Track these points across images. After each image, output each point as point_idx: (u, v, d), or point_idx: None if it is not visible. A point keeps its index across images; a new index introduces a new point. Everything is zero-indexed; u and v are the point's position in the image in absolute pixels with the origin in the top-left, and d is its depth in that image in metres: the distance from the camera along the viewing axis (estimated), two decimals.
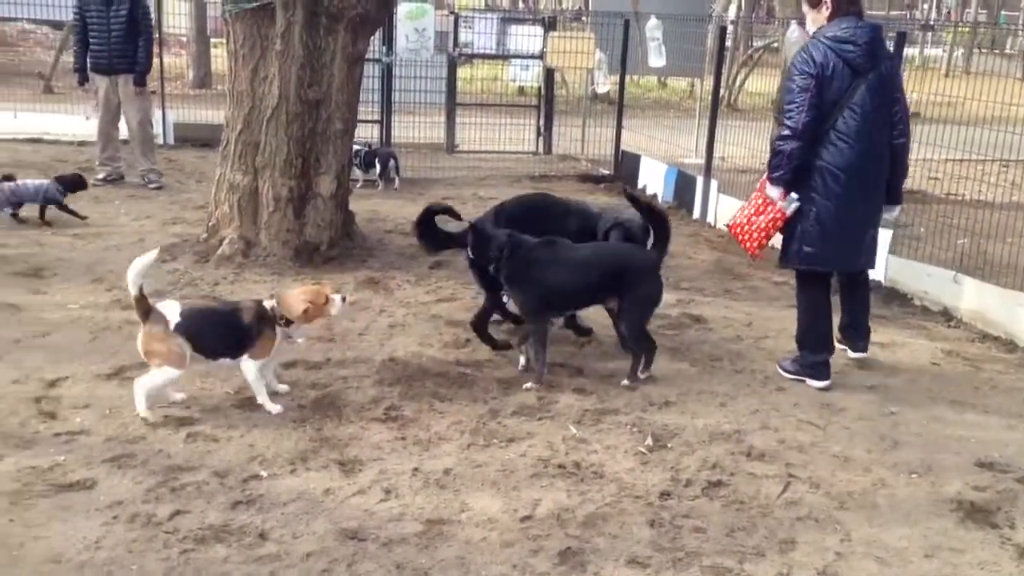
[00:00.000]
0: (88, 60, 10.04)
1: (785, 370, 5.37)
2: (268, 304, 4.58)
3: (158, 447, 4.15)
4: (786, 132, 4.94)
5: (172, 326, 4.36)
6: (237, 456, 4.12)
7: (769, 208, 5.17)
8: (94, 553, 3.33)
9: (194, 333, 4.41)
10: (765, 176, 5.16)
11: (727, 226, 5.78)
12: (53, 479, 3.82)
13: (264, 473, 3.96)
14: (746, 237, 5.31)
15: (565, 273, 5.13)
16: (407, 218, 9.17)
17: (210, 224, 7.63)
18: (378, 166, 10.74)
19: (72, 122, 13.22)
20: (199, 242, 7.57)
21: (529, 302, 5.19)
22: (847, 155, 4.93)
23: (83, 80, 10.18)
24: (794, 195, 5.03)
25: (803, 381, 5.25)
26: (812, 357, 5.24)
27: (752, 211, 5.28)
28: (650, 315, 5.28)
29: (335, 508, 3.73)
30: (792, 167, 4.96)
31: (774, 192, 5.08)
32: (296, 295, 4.58)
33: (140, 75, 10.13)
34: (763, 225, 5.21)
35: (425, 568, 3.33)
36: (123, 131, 10.50)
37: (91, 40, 9.93)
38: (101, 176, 10.21)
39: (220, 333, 4.51)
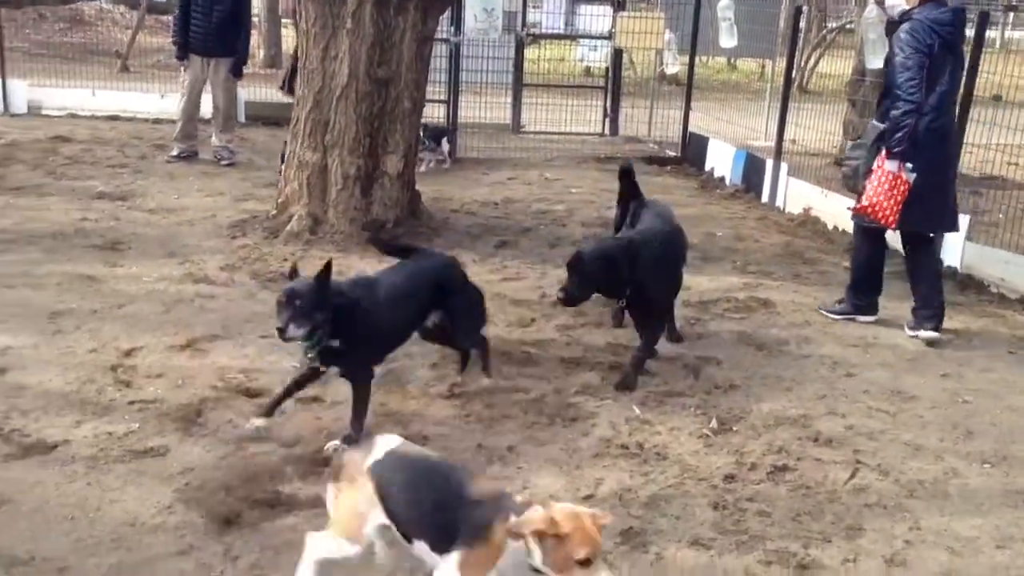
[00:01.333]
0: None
1: (831, 312, 5.93)
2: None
3: (228, 417, 4.24)
4: (909, 107, 5.34)
5: None
6: (304, 428, 4.19)
7: (896, 180, 5.45)
8: (167, 517, 3.42)
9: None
10: (883, 153, 5.49)
11: (854, 209, 5.91)
12: (128, 445, 3.93)
13: (332, 446, 4.02)
14: (882, 213, 5.55)
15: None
16: (473, 198, 9.24)
17: (279, 201, 7.74)
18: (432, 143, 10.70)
19: (148, 100, 13.53)
20: (268, 218, 7.69)
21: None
22: (944, 125, 5.53)
23: (182, 56, 10.37)
24: (909, 165, 5.43)
25: (853, 319, 5.84)
26: (865, 298, 5.91)
27: (881, 187, 5.50)
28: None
29: None
30: (911, 140, 5.36)
31: (893, 165, 5.44)
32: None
33: (237, 65, 10.46)
34: (896, 197, 5.48)
35: None
36: (204, 110, 10.72)
37: (192, 21, 10.14)
38: (175, 153, 10.43)
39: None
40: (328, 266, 3.90)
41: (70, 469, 3.71)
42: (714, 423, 4.39)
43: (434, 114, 11.42)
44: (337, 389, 4.56)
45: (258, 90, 13.94)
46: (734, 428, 4.37)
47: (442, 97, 11.93)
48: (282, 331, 3.75)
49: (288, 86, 10.19)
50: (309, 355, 4.00)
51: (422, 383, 4.74)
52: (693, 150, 11.84)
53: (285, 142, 8.07)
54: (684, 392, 4.75)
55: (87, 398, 4.36)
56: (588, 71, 17.22)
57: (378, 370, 4.69)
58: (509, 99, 14.16)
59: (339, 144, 7.37)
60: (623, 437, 4.22)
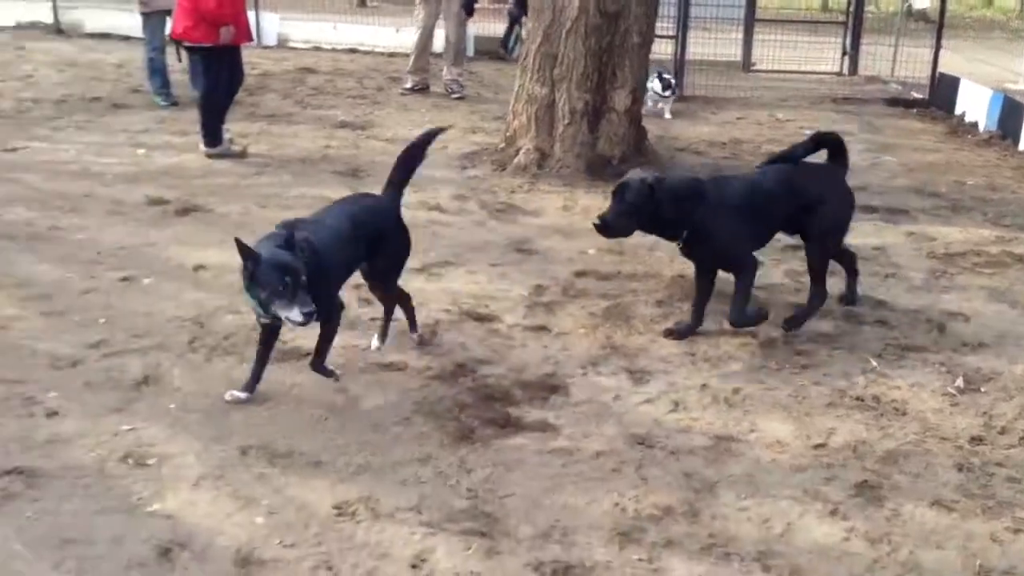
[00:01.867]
0: None
1: None
2: None
3: (460, 340, 4.42)
4: None
5: None
6: (533, 355, 4.30)
7: None
8: (406, 427, 3.63)
9: None
10: None
11: None
12: (372, 358, 4.19)
13: (558, 373, 4.11)
14: None
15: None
16: (700, 137, 9.05)
17: (507, 134, 7.88)
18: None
19: (384, 34, 14.08)
20: (497, 151, 7.86)
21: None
22: None
23: None
24: None
25: None
26: None
27: None
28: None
29: (624, 413, 3.82)
30: None
31: None
32: None
33: (470, 3, 10.85)
34: None
35: (712, 481, 3.35)
36: (437, 45, 11.04)
37: None
38: (408, 85, 10.82)
39: None
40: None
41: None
42: (960, 382, 4.14)
43: (662, 50, 11.21)
44: (561, 320, 4.66)
45: (487, 25, 14.18)
46: (982, 389, 4.11)
47: (670, 32, 11.68)
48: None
49: (503, 44, 10.38)
50: None
51: (647, 319, 4.74)
52: (942, 92, 11.03)
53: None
54: (927, 347, 4.50)
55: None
56: (826, 5, 16.34)
57: (604, 304, 4.76)
58: (740, 35, 13.69)
59: (567, 78, 7.38)
60: (858, 389, 4.06)
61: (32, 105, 9.11)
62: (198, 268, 5.12)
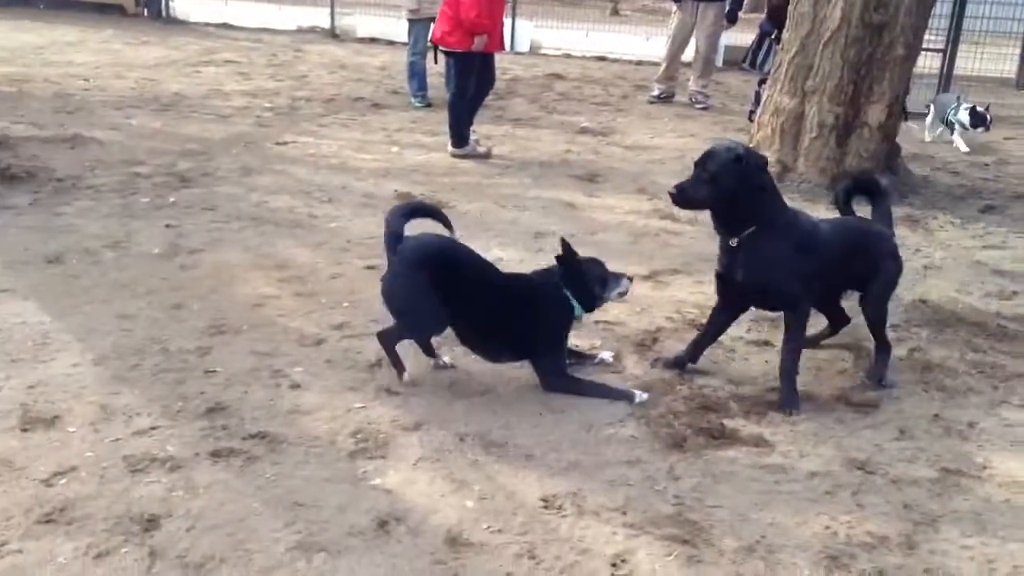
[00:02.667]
0: None
1: None
2: None
3: (681, 348, 4.39)
4: None
5: None
6: (753, 369, 4.25)
7: None
8: (619, 429, 3.68)
9: None
10: None
11: None
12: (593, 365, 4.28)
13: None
14: None
15: None
16: (958, 156, 8.51)
17: (751, 145, 7.75)
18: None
19: (634, 42, 14.20)
20: None
21: None
22: None
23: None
24: None
25: None
26: None
27: None
28: None
29: (845, 436, 3.70)
30: None
31: None
32: None
33: (733, 12, 10.79)
34: None
35: (936, 514, 3.19)
36: (688, 54, 11.02)
37: None
38: (656, 93, 10.87)
39: None
40: None
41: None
42: None
43: (927, 64, 10.60)
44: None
45: (740, 35, 13.93)
46: None
47: (939, 46, 11.01)
48: None
49: (751, 60, 10.04)
50: None
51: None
52: None
53: (756, 89, 8.04)
54: None
55: None
56: None
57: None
58: (1016, 50, 12.68)
59: (820, 90, 7.18)
60: None
61: (304, 103, 9.94)
62: None
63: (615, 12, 19.59)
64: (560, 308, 3.97)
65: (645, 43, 14.12)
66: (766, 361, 4.33)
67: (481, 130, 8.37)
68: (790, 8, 7.51)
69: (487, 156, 7.90)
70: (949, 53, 10.91)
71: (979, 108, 8.98)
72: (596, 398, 3.89)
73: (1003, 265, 5.67)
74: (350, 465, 3.36)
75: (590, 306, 4.07)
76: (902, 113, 7.61)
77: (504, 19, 8.13)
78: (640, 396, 3.89)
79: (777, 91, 7.46)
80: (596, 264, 4.09)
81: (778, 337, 4.51)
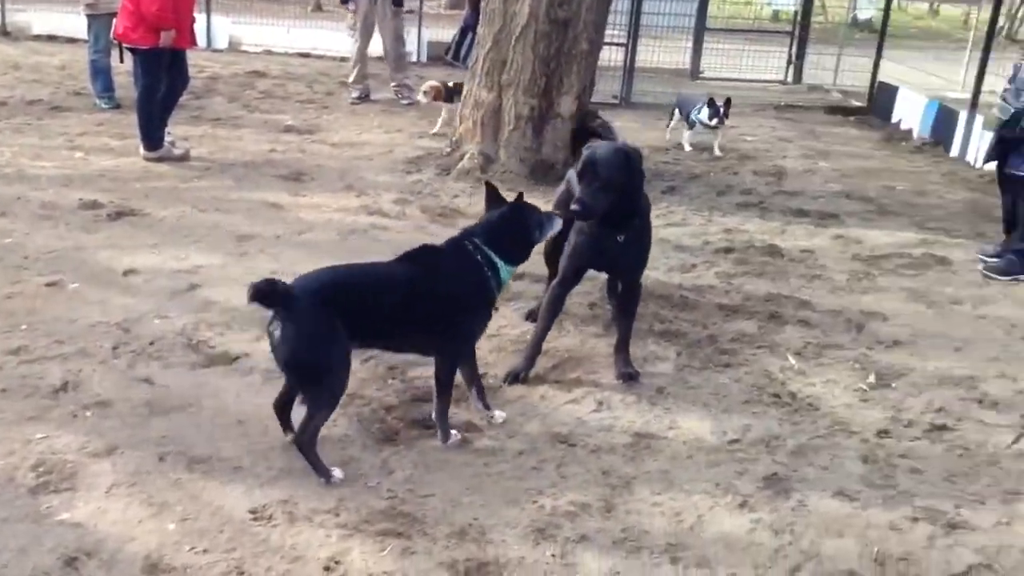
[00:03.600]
0: None
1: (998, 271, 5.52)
2: None
3: None
4: None
5: None
6: None
7: None
8: (331, 430, 3.60)
9: None
10: None
11: None
12: None
13: (488, 374, 4.15)
14: None
15: None
16: (645, 142, 9.14)
17: (453, 139, 7.94)
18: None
19: (338, 38, 14.03)
20: (443, 155, 7.91)
21: None
22: None
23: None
24: None
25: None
26: None
27: None
28: None
29: (549, 413, 3.89)
30: None
31: None
32: None
33: None
34: None
35: (630, 477, 3.42)
36: (376, 49, 10.99)
37: None
38: (356, 95, 10.71)
39: None
40: None
41: (249, 380, 4.01)
42: (872, 378, 4.27)
43: (612, 57, 11.32)
44: (492, 322, 4.70)
45: (441, 31, 14.22)
46: (893, 384, 4.24)
47: (621, 40, 11.80)
48: None
49: (454, 53, 10.15)
50: None
51: (579, 320, 4.81)
52: (880, 100, 11.27)
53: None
54: (844, 345, 4.63)
55: (267, 316, 4.64)
56: (776, 15, 16.58)
57: (536, 305, 4.79)
58: (689, 43, 13.86)
59: (515, 84, 7.46)
60: (775, 386, 4.17)
61: None
62: (128, 273, 5.09)
63: (317, 8, 19.31)
64: (479, 273, 3.56)
65: (350, 39, 14.05)
66: (476, 348, 4.44)
67: (177, 131, 7.95)
68: (482, 4, 7.75)
69: (184, 158, 7.53)
70: (630, 47, 11.72)
71: (716, 101, 8.67)
72: (438, 412, 3.61)
73: (683, 241, 6.18)
74: (31, 502, 3.09)
75: (521, 258, 3.72)
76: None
77: (195, 14, 7.75)
78: (455, 437, 3.61)
79: (476, 85, 7.68)
80: (527, 205, 3.65)
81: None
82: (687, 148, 8.80)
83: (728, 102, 8.60)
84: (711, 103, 8.52)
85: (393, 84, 10.83)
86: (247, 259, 5.41)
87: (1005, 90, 5.84)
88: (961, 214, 7.19)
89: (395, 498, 3.22)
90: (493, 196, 3.72)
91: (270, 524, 3.05)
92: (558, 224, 3.80)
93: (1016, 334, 4.88)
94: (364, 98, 10.74)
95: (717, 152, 8.59)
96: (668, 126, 9.23)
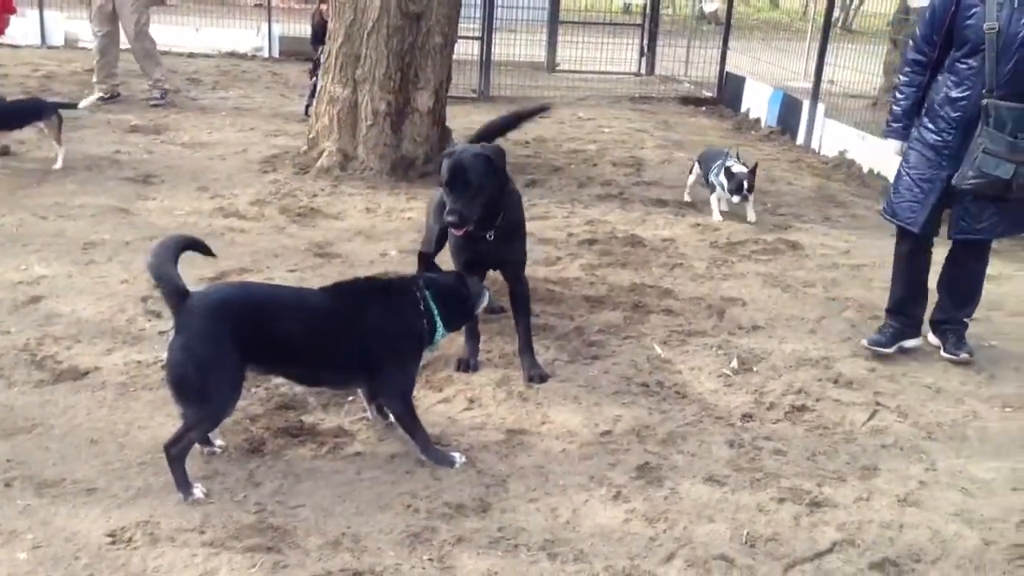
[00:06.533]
0: None
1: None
2: None
3: None
4: None
5: None
6: None
7: None
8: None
9: None
10: None
11: None
12: (156, 374, 4.00)
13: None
14: None
15: None
16: (505, 137, 9.17)
17: (310, 137, 7.76)
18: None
19: (184, 34, 13.54)
20: (300, 154, 7.72)
21: None
22: None
23: None
24: None
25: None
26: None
27: None
28: None
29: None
30: None
31: None
32: None
33: None
34: None
35: (504, 475, 3.41)
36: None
37: None
38: (102, 96, 9.23)
39: None
40: None
41: (100, 395, 3.80)
42: (735, 363, 4.39)
43: (468, 51, 11.31)
44: None
45: (293, 25, 13.88)
46: (755, 368, 4.38)
47: (476, 34, 11.80)
48: None
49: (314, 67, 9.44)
50: None
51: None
52: (729, 91, 11.67)
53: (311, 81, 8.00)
54: (707, 332, 4.76)
55: (118, 327, 4.44)
56: (627, 8, 16.94)
57: None
58: (544, 37, 14.00)
59: (370, 79, 7.34)
60: (643, 376, 4.24)
61: None
62: None
63: (161, 2, 18.53)
64: (419, 322, 3.47)
65: (196, 34, 13.56)
66: None
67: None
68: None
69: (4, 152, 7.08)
70: (486, 40, 11.72)
71: (736, 167, 6.69)
72: (420, 447, 3.47)
73: (547, 233, 6.21)
74: None
75: (457, 326, 3.73)
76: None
77: (19, 7, 7.20)
78: (459, 459, 3.47)
79: (330, 80, 7.52)
80: (460, 278, 3.71)
81: None
82: (716, 217, 6.83)
83: (754, 169, 6.74)
84: (729, 173, 6.62)
85: (147, 83, 9.90)
86: (94, 267, 5.13)
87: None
88: (810, 200, 7.51)
89: (264, 511, 3.11)
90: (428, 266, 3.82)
91: (130, 547, 2.89)
92: (486, 296, 3.81)
93: (865, 314, 5.12)
94: (111, 98, 9.59)
95: (751, 219, 6.77)
96: (687, 183, 7.31)
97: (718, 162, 6.80)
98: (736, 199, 6.64)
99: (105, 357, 4.11)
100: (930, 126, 4.35)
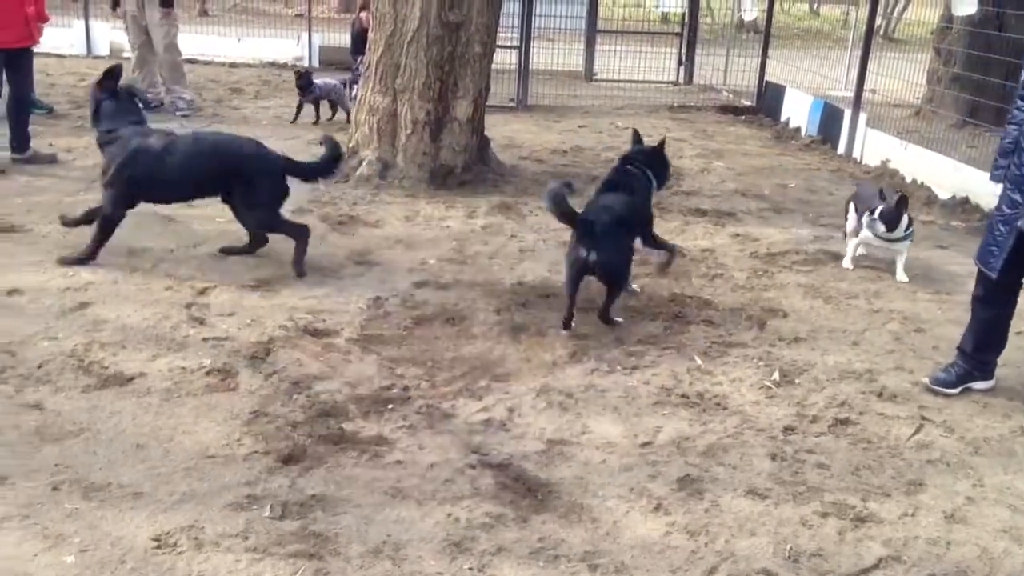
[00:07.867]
0: None
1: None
2: None
3: (295, 356, 4.34)
4: None
5: None
6: (369, 369, 4.26)
7: None
8: (236, 449, 3.53)
9: None
10: None
11: None
12: (200, 380, 4.06)
13: (396, 385, 4.09)
14: None
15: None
16: (543, 145, 9.19)
17: (350, 145, 7.81)
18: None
19: (225, 44, 13.73)
20: None
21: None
22: None
23: (115, 5, 9.98)
24: None
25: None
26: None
27: None
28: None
29: (459, 424, 3.84)
30: None
31: None
32: None
33: None
34: None
35: (544, 485, 3.40)
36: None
37: None
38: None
39: None
40: None
41: (146, 401, 3.85)
42: (776, 375, 4.36)
43: (506, 60, 11.33)
44: (402, 336, 4.65)
45: (332, 35, 14.01)
46: (797, 380, 4.34)
47: (514, 43, 11.83)
48: None
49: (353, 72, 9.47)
50: None
51: (486, 327, 4.78)
52: (769, 100, 11.59)
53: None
54: (747, 343, 4.72)
55: (163, 334, 4.50)
56: (665, 18, 16.89)
57: (443, 313, 4.72)
58: (582, 46, 14.01)
59: (409, 88, 7.39)
60: (683, 387, 4.22)
61: None
62: (12, 292, 4.82)
63: (203, 13, 18.80)
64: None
65: (237, 44, 13.73)
66: (381, 359, 4.37)
67: (60, 142, 7.63)
68: (372, 7, 7.65)
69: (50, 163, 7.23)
70: (523, 50, 11.74)
71: (885, 207, 5.58)
72: None
73: None
74: None
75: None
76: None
77: (25, 10, 7.24)
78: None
79: (370, 90, 7.58)
80: None
81: (391, 334, 4.59)
82: (847, 264, 5.97)
83: (904, 201, 5.62)
84: (883, 215, 5.55)
85: (171, 96, 9.99)
86: (140, 275, 5.20)
87: None
88: None
89: (305, 518, 3.13)
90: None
91: (175, 552, 2.92)
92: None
93: (909, 326, 5.06)
94: (154, 108, 9.58)
95: (901, 277, 5.78)
96: (845, 230, 6.22)
97: (874, 205, 5.64)
98: (897, 244, 5.69)
99: (150, 363, 4.17)
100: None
